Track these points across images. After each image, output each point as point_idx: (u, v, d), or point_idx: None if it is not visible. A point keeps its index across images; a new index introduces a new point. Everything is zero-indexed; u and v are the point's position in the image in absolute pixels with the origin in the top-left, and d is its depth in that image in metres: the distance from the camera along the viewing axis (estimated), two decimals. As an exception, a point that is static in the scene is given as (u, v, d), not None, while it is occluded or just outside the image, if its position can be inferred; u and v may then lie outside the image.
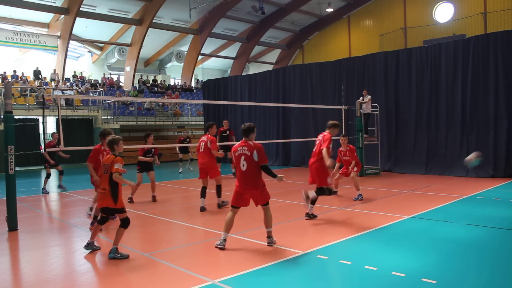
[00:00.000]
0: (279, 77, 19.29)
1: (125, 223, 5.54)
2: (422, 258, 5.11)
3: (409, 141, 14.44)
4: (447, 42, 14.10)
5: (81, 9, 23.78)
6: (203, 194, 8.72)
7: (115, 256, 5.40)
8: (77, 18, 24.23)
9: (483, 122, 12.84)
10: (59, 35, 25.84)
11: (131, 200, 9.93)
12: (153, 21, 26.91)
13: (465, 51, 13.24)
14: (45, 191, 12.29)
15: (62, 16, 24.85)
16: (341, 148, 9.93)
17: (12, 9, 23.22)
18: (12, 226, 7.22)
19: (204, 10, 27.92)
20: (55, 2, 24.03)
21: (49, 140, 13.04)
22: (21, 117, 20.40)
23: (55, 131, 13.34)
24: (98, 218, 6.02)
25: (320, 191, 7.38)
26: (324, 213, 7.94)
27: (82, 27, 26.39)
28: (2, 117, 17.66)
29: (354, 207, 8.46)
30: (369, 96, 14.35)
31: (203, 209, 8.61)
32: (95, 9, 25.49)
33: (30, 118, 21.52)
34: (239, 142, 5.99)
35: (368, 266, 4.80)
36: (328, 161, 7.12)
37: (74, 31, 25.49)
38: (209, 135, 9.01)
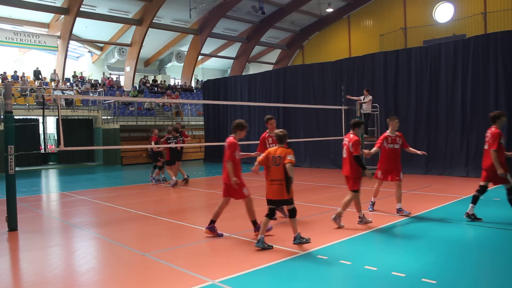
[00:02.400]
0: (279, 77, 19.29)
1: (293, 213, 5.80)
2: (422, 258, 5.11)
3: (409, 141, 14.26)
4: (447, 42, 14.10)
5: (81, 9, 23.78)
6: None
7: (301, 241, 5.78)
8: (77, 18, 24.22)
9: (483, 122, 12.81)
10: (59, 35, 25.84)
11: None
12: (153, 21, 26.91)
13: (465, 51, 13.23)
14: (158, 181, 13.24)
15: (62, 16, 24.84)
16: (388, 133, 7.94)
17: (12, 9, 23.22)
18: (12, 226, 7.22)
19: (204, 10, 27.91)
20: (55, 2, 24.03)
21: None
22: (21, 117, 20.41)
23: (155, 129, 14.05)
24: (267, 211, 5.88)
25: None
26: (324, 213, 7.94)
27: (82, 27, 26.39)
28: (2, 117, 17.66)
29: (354, 207, 8.45)
30: (370, 97, 14.34)
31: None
32: (95, 9, 25.48)
33: (30, 118, 21.53)
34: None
35: (368, 266, 4.80)
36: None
37: (74, 31, 25.49)
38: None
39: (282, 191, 5.68)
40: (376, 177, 7.91)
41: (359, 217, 7.01)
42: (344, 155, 7.04)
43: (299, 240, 5.76)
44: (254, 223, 6.39)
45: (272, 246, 5.71)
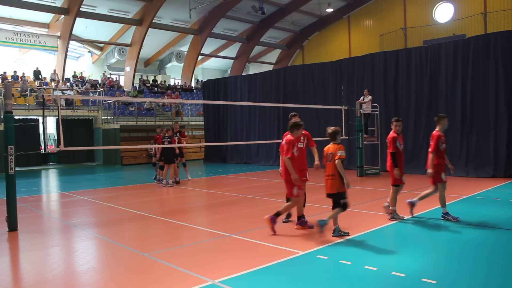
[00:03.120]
0: (280, 77, 19.30)
1: (345, 206, 6.09)
2: (422, 258, 5.11)
3: (409, 141, 14.42)
4: (447, 42, 14.10)
5: (81, 9, 23.78)
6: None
7: (340, 233, 6.08)
8: (77, 18, 24.23)
9: (483, 122, 12.83)
10: (59, 35, 25.84)
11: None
12: (153, 21, 26.91)
13: (465, 51, 13.23)
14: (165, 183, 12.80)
15: (62, 16, 24.85)
16: (439, 131, 7.54)
17: (12, 9, 23.23)
18: (12, 226, 7.22)
19: (204, 10, 27.91)
20: (55, 2, 24.03)
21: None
22: (21, 117, 20.42)
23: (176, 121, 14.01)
24: (332, 204, 6.19)
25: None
26: (324, 213, 7.93)
27: (82, 27, 26.39)
28: (2, 117, 17.67)
29: (354, 207, 8.46)
30: (370, 97, 14.35)
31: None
32: (95, 9, 25.49)
33: (30, 118, 21.55)
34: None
35: (368, 266, 4.80)
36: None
37: (74, 31, 25.50)
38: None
39: (334, 185, 6.05)
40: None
41: (390, 213, 7.21)
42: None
43: (338, 233, 6.07)
44: (299, 217, 6.74)
45: (348, 233, 6.12)
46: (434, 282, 4.28)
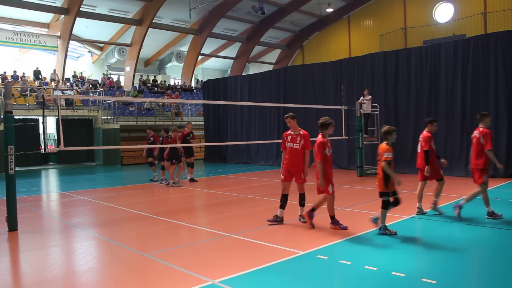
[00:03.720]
0: (280, 77, 19.30)
1: (385, 205, 6.20)
2: (422, 258, 5.11)
3: (408, 141, 14.42)
4: (447, 42, 14.10)
5: (81, 9, 23.78)
6: None
7: (385, 232, 6.13)
8: (77, 18, 24.22)
9: (483, 122, 12.82)
10: (59, 35, 25.84)
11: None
12: (153, 21, 26.91)
13: (465, 51, 13.23)
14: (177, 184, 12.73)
15: (62, 16, 24.84)
16: (485, 128, 7.21)
17: (12, 9, 23.22)
18: (12, 226, 7.22)
19: (204, 10, 27.91)
20: (55, 2, 24.03)
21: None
22: (21, 117, 20.42)
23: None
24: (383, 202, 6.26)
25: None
26: (324, 213, 7.93)
27: (82, 27, 26.39)
28: (2, 117, 17.67)
29: (354, 207, 8.47)
30: (369, 96, 14.35)
31: None
32: (95, 9, 25.49)
33: (30, 118, 21.54)
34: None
35: (368, 266, 4.80)
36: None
37: (74, 31, 25.49)
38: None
39: (380, 184, 6.21)
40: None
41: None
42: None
43: (383, 231, 6.14)
44: (332, 217, 6.68)
45: (395, 232, 6.12)
46: (434, 282, 4.28)
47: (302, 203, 7.16)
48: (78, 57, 31.56)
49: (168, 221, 7.82)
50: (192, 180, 13.52)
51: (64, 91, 23.91)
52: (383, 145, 6.31)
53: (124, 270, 5.06)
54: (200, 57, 32.64)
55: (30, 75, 25.06)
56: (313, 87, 17.79)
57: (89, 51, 30.82)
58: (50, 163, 24.15)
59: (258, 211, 8.35)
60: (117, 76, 30.75)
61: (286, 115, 7.15)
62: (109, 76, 29.65)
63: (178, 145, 12.34)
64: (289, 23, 33.06)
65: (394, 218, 7.29)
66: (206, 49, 32.61)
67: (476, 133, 7.27)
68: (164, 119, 25.87)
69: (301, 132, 7.04)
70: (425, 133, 7.67)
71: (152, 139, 13.98)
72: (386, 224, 6.25)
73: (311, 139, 7.05)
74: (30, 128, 20.52)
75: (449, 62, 13.57)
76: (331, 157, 6.71)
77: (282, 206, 7.12)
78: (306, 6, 30.69)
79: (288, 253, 5.41)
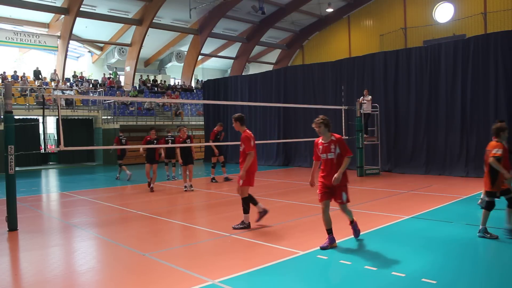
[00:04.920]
0: (280, 77, 19.30)
1: (487, 206, 5.88)
2: (422, 258, 5.11)
3: (409, 141, 14.44)
4: (447, 42, 14.10)
5: (81, 9, 23.78)
6: None
7: (485, 236, 5.87)
8: (77, 18, 24.22)
9: (483, 122, 12.83)
10: (59, 35, 25.84)
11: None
12: (153, 21, 26.91)
13: (465, 51, 13.23)
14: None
15: (62, 16, 24.84)
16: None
17: (12, 9, 23.22)
18: (12, 226, 7.22)
19: (204, 10, 27.91)
20: (55, 2, 24.03)
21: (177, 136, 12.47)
22: (21, 117, 20.41)
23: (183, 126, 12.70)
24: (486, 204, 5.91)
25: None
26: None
27: (82, 27, 26.39)
28: (2, 117, 17.67)
29: (354, 207, 8.46)
30: (369, 96, 14.35)
31: None
32: (95, 9, 25.49)
33: (30, 118, 21.53)
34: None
35: (368, 266, 4.80)
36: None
37: (74, 31, 25.49)
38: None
39: (486, 182, 5.92)
40: None
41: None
42: None
43: (483, 234, 5.89)
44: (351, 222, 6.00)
45: (496, 236, 5.84)
46: (434, 282, 4.28)
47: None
48: (78, 57, 31.56)
49: (168, 221, 7.83)
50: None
51: (64, 91, 23.91)
52: (493, 143, 5.90)
53: (124, 270, 5.06)
54: (200, 57, 32.64)
55: (30, 75, 25.06)
56: (313, 87, 17.80)
57: (89, 51, 30.82)
58: (50, 163, 24.14)
59: (258, 211, 8.34)
60: (117, 76, 30.76)
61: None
62: (117, 74, 29.43)
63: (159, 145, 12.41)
64: (289, 23, 33.06)
65: (393, 218, 7.30)
66: (206, 49, 32.61)
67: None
68: (164, 119, 25.87)
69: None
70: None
71: (155, 142, 12.39)
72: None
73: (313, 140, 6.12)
74: (30, 128, 20.52)
75: (449, 62, 13.57)
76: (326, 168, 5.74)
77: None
78: (306, 6, 30.69)
79: (288, 253, 5.41)
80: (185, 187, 11.78)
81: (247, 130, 7.07)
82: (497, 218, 7.09)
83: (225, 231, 6.66)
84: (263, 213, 7.00)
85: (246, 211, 6.83)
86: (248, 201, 6.87)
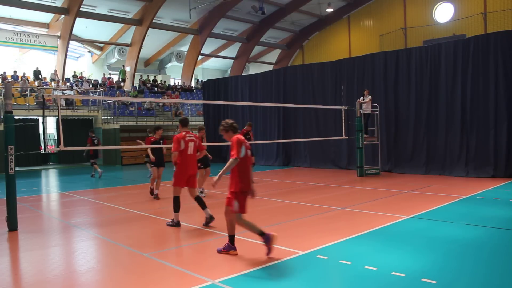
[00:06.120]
0: (280, 77, 19.30)
1: None
2: (422, 258, 5.10)
3: (409, 141, 14.43)
4: (447, 42, 14.10)
5: (81, 9, 23.78)
6: None
7: None
8: (77, 18, 24.22)
9: (483, 122, 12.83)
10: (59, 35, 25.84)
11: (156, 196, 10.34)
12: (153, 21, 26.91)
13: (465, 51, 13.23)
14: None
15: (62, 16, 24.85)
16: None
17: (12, 9, 23.22)
18: (12, 226, 7.22)
19: (204, 10, 27.91)
20: (55, 2, 24.03)
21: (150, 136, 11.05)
22: (21, 117, 20.42)
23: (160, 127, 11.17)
24: None
25: None
26: (324, 213, 7.94)
27: (82, 27, 26.40)
28: (2, 117, 17.67)
29: (354, 207, 8.46)
30: (369, 96, 14.35)
31: None
32: (95, 9, 25.49)
33: (30, 118, 21.55)
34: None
35: (368, 266, 4.80)
36: None
37: (74, 31, 25.49)
38: None
39: None
40: None
41: None
42: None
43: None
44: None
45: None
46: (434, 282, 4.28)
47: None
48: (78, 57, 31.56)
49: (168, 221, 7.82)
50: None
51: (64, 91, 23.91)
52: None
53: (124, 270, 5.06)
54: (200, 57, 32.64)
55: (30, 75, 25.06)
56: (313, 87, 17.79)
57: (89, 51, 30.82)
58: (50, 163, 24.14)
59: (258, 211, 8.35)
60: (117, 76, 30.76)
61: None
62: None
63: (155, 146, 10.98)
64: (289, 23, 33.06)
65: (393, 218, 7.30)
66: (206, 49, 32.61)
67: None
68: (164, 119, 25.88)
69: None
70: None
71: (161, 142, 11.22)
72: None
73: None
74: (30, 128, 20.52)
75: (449, 62, 13.57)
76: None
77: None
78: (306, 6, 30.69)
79: (288, 253, 5.41)
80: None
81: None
82: (498, 217, 7.09)
83: (224, 231, 6.65)
84: (174, 224, 7.24)
85: (175, 210, 7.24)
86: (176, 201, 7.26)
